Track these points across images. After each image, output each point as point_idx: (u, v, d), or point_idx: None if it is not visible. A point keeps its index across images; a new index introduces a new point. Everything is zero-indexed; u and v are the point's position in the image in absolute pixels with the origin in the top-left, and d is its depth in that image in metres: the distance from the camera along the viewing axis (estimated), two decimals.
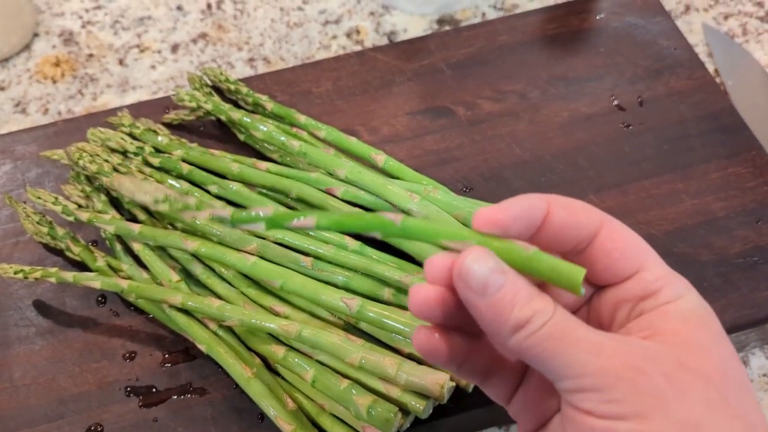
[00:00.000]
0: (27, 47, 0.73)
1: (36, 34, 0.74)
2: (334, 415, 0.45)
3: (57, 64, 0.72)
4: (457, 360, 0.31)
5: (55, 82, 0.71)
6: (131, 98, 0.69)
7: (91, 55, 0.73)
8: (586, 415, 0.26)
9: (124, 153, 0.56)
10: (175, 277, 0.50)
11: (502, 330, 0.28)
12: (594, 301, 0.31)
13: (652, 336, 0.28)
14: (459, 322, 0.30)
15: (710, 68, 0.69)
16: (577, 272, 0.28)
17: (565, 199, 0.30)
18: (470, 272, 0.27)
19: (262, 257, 0.49)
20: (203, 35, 0.74)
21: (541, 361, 0.27)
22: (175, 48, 0.73)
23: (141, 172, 0.54)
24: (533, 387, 0.32)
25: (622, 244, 0.30)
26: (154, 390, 0.49)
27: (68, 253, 0.53)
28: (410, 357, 0.45)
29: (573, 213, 0.30)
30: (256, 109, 0.59)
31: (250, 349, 0.48)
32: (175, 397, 0.48)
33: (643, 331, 0.28)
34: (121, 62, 0.72)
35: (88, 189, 0.54)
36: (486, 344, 0.32)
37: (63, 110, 0.69)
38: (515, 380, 0.32)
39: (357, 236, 0.50)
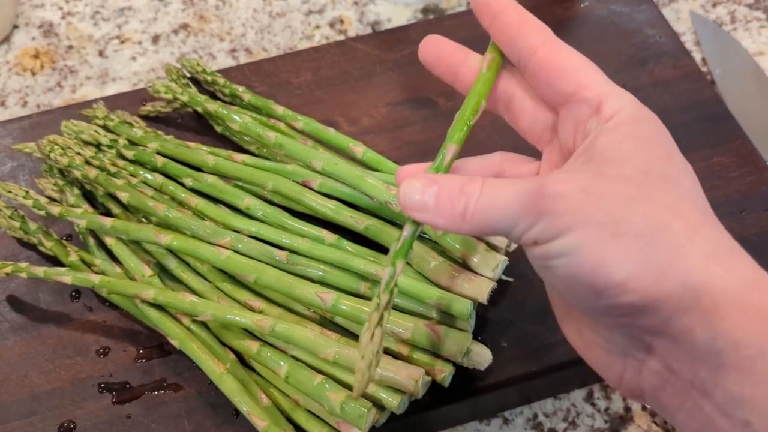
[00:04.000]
0: (6, 39, 0.72)
1: (15, 26, 0.73)
2: (309, 411, 0.45)
3: (36, 56, 0.71)
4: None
5: (34, 74, 0.70)
6: (111, 90, 0.69)
7: (70, 47, 0.72)
8: (532, 247, 0.30)
9: (98, 146, 0.55)
10: (148, 271, 0.49)
11: (458, 225, 0.31)
12: (559, 129, 0.33)
13: (587, 156, 0.30)
14: None
15: (698, 57, 0.68)
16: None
17: (522, 10, 0.34)
18: (407, 198, 0.32)
19: (236, 251, 0.48)
20: (184, 26, 0.73)
21: (489, 228, 0.31)
22: (156, 39, 0.72)
23: (114, 164, 0.53)
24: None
25: (561, 63, 0.32)
26: (127, 386, 0.48)
27: (41, 248, 0.52)
28: (385, 352, 0.45)
29: (523, 21, 0.33)
30: (233, 100, 0.58)
31: (224, 344, 0.47)
32: (149, 393, 0.48)
33: (584, 153, 0.31)
34: (101, 54, 0.71)
35: (61, 182, 0.54)
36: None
37: (42, 103, 0.68)
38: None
39: (335, 228, 0.50)
